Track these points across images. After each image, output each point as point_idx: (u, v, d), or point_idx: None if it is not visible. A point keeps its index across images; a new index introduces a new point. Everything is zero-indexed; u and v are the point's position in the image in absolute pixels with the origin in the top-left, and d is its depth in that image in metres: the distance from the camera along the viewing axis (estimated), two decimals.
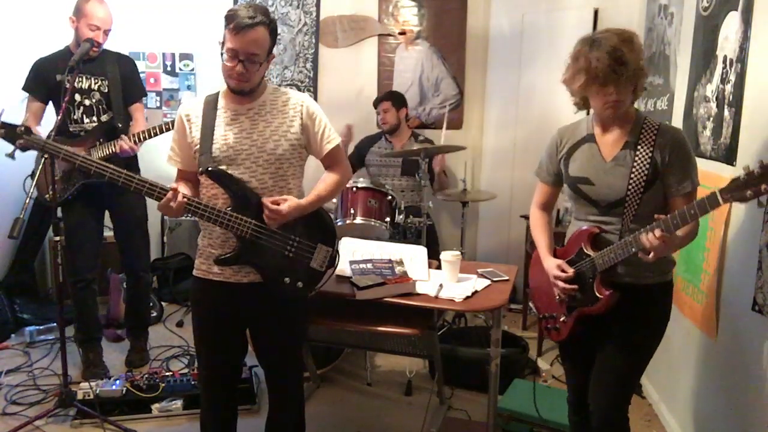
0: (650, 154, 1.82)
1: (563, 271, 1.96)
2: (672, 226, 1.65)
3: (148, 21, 4.54)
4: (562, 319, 2.04)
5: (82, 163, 1.97)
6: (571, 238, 2.02)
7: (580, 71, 1.83)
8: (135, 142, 3.07)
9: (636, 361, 1.97)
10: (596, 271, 1.90)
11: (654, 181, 1.83)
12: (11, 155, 2.21)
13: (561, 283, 1.96)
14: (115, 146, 3.06)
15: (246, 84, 1.97)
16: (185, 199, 1.94)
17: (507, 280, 2.56)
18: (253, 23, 1.88)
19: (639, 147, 1.84)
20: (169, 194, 1.92)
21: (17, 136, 2.02)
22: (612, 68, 1.76)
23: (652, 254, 1.70)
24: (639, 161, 1.83)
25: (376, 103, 4.15)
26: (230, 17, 1.91)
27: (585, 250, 1.93)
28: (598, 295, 1.89)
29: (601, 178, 1.90)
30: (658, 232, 1.66)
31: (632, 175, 1.84)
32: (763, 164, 1.46)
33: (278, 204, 1.96)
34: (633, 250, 1.76)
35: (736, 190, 1.50)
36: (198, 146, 2.01)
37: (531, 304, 2.24)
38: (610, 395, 1.98)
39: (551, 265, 2.01)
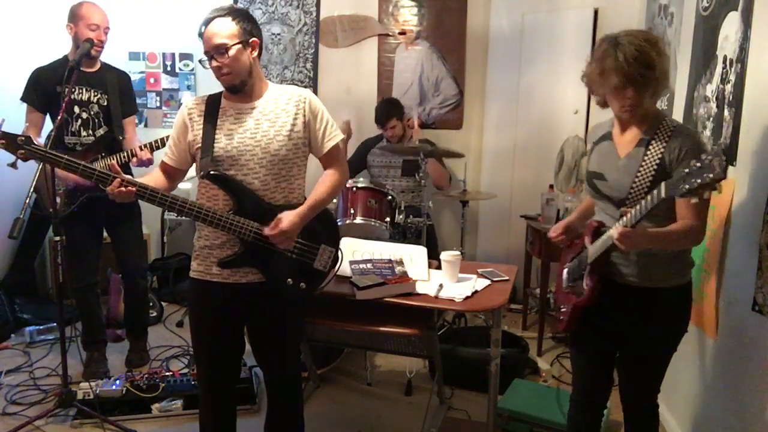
0: (660, 155, 1.83)
1: (555, 232, 2.12)
2: (633, 218, 1.70)
3: (148, 21, 4.55)
4: (563, 309, 2.09)
5: (84, 170, 1.94)
6: (584, 230, 2.06)
7: (607, 71, 1.79)
8: (151, 150, 3.08)
9: (657, 362, 2.01)
10: (586, 263, 1.94)
11: (660, 180, 1.81)
12: (13, 165, 2.21)
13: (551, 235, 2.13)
14: (129, 155, 3.06)
15: (232, 78, 1.96)
16: (133, 189, 1.92)
17: (507, 280, 2.56)
18: (209, 19, 1.95)
19: (651, 146, 1.85)
20: (116, 182, 1.89)
21: (18, 146, 2.00)
22: (638, 71, 1.74)
23: (623, 246, 1.73)
24: (648, 160, 1.84)
25: (384, 121, 4.04)
26: None
27: (586, 243, 1.97)
28: (584, 286, 1.93)
29: (613, 175, 1.93)
30: (618, 226, 1.72)
31: (638, 174, 1.85)
32: (703, 160, 1.48)
33: (277, 226, 1.95)
34: (610, 243, 1.80)
35: (676, 184, 1.54)
36: (199, 146, 2.00)
37: (551, 297, 2.33)
38: (638, 393, 2.04)
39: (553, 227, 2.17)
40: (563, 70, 4.17)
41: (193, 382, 2.93)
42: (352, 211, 3.24)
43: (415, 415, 2.89)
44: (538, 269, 3.78)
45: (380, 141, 4.16)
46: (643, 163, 1.85)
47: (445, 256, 2.47)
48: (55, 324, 3.66)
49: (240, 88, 2.00)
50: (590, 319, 2.00)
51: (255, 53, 2.01)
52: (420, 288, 2.37)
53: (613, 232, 1.73)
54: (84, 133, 3.12)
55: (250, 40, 1.98)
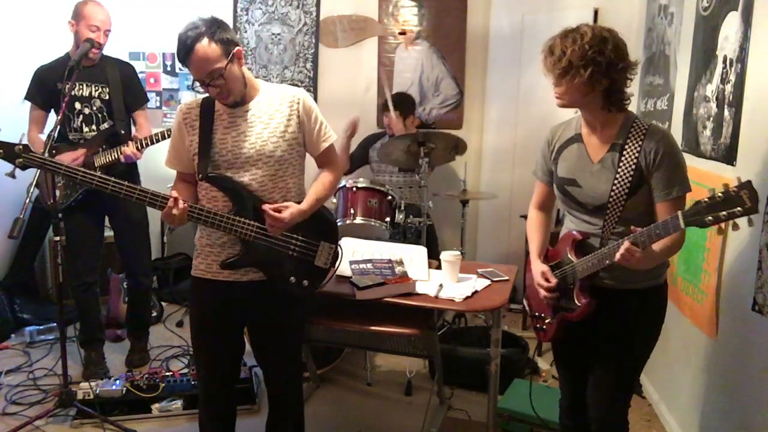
0: (636, 159, 1.78)
1: (547, 279, 1.96)
2: (640, 242, 1.65)
3: (148, 21, 4.55)
4: (548, 321, 2.04)
5: (83, 178, 1.95)
6: (560, 240, 2.01)
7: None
8: (138, 147, 3.07)
9: (631, 366, 1.97)
10: (576, 278, 1.89)
11: (640, 186, 1.80)
12: (11, 174, 2.20)
13: (542, 291, 1.97)
14: (118, 152, 3.07)
15: (233, 97, 1.95)
16: (187, 207, 1.93)
17: (507, 280, 2.56)
18: (191, 44, 1.84)
19: (625, 150, 1.80)
20: (170, 202, 1.90)
21: (16, 155, 1.99)
22: (547, 60, 1.79)
23: (626, 264, 1.68)
24: (624, 165, 1.80)
25: (384, 108, 4.07)
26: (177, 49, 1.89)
27: (569, 255, 1.92)
28: (576, 302, 1.88)
29: (588, 181, 1.88)
30: (627, 244, 1.66)
31: (616, 180, 1.81)
32: (727, 189, 1.45)
33: (279, 211, 1.96)
34: (608, 262, 1.76)
35: (697, 214, 1.49)
36: (197, 151, 2.01)
37: (524, 302, 2.23)
38: (609, 402, 1.97)
39: (537, 270, 2.01)
40: None
41: (193, 382, 2.94)
42: (352, 211, 3.24)
43: (415, 415, 2.89)
44: None
45: (383, 137, 4.17)
46: (620, 169, 1.80)
47: (445, 256, 2.47)
48: (55, 324, 3.67)
49: (241, 103, 2.00)
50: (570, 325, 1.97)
51: (243, 62, 1.97)
52: (420, 288, 2.37)
53: (617, 254, 1.67)
54: (86, 129, 3.13)
55: (234, 52, 1.90)
